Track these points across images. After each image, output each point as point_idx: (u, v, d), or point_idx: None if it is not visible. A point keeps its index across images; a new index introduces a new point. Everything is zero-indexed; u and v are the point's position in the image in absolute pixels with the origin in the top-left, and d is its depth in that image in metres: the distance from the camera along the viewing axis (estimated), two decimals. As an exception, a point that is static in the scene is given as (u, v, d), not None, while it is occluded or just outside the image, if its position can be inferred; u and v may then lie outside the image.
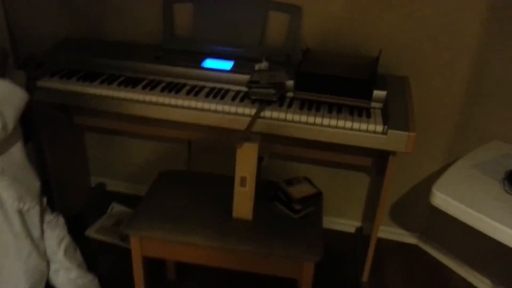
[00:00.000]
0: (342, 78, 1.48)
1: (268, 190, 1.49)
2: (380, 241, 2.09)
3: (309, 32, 1.80)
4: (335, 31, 1.78)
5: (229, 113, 1.52)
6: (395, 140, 1.42)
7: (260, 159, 2.17)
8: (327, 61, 1.62)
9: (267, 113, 1.49)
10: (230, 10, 1.79)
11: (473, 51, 1.71)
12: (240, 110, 1.51)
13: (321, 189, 1.98)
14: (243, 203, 1.34)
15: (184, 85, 1.68)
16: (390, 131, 1.41)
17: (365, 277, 1.86)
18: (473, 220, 1.04)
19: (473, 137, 1.80)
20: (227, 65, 1.73)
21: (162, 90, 1.62)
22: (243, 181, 1.30)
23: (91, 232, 2.09)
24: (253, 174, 1.28)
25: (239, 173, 1.29)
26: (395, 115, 1.47)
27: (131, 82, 1.66)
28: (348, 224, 2.24)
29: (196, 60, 1.74)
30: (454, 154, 1.90)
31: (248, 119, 1.48)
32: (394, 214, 2.16)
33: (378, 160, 1.82)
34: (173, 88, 1.63)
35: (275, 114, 1.49)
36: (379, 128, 1.44)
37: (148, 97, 1.57)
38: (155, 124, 1.92)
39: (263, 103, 1.52)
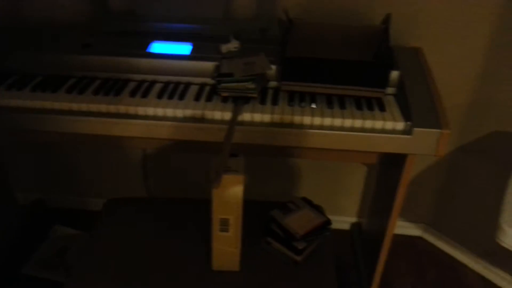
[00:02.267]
0: (346, 62, 1.07)
1: (255, 215, 1.11)
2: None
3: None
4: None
5: (193, 119, 1.09)
6: (422, 141, 1.05)
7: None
8: (318, 37, 1.21)
9: (245, 115, 1.08)
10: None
11: (495, 16, 1.35)
12: (209, 114, 1.09)
13: (307, 182, 1.62)
14: (226, 252, 0.95)
15: (127, 81, 1.22)
16: (415, 129, 1.04)
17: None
18: None
19: (492, 117, 1.48)
20: (183, 48, 1.29)
21: (95, 92, 1.16)
22: (224, 225, 0.90)
23: (29, 269, 1.65)
24: (238, 215, 0.89)
25: (218, 213, 0.88)
26: (417, 105, 1.10)
27: (51, 84, 1.19)
28: (340, 221, 1.92)
29: (139, 44, 1.28)
30: (467, 137, 1.58)
31: (220, 126, 1.06)
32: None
33: (384, 155, 1.46)
34: (111, 88, 1.18)
35: (257, 117, 1.08)
36: (400, 125, 1.07)
37: (75, 105, 1.12)
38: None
39: (239, 101, 1.10)
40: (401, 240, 1.89)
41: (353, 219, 1.93)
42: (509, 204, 0.82)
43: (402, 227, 1.91)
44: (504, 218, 0.78)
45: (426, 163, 1.72)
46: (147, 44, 1.29)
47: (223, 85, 1.08)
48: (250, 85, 1.07)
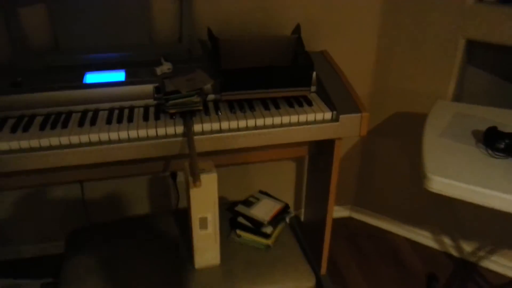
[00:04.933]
0: (274, 68, 1.24)
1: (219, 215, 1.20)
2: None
3: (205, 20, 1.51)
4: (236, 12, 1.52)
5: (147, 138, 1.17)
6: (348, 125, 1.26)
7: (174, 175, 1.85)
8: (245, 50, 1.36)
9: (196, 126, 1.18)
10: (99, 4, 1.39)
11: (378, 16, 1.64)
12: (162, 131, 1.17)
13: (243, 184, 1.75)
14: (207, 249, 1.03)
15: (69, 113, 1.25)
16: (341, 116, 1.24)
17: (323, 269, 1.72)
18: (483, 198, 0.94)
19: (390, 101, 1.77)
20: (118, 75, 1.35)
21: (41, 127, 1.17)
22: (203, 223, 0.99)
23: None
24: (215, 212, 0.99)
25: (196, 214, 0.97)
26: (337, 97, 1.30)
27: (-12, 127, 1.17)
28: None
29: (72, 77, 1.32)
30: (374, 121, 1.85)
31: (175, 140, 1.15)
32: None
33: (313, 146, 1.66)
34: (56, 121, 1.20)
35: (207, 127, 1.19)
36: (328, 115, 1.26)
37: (24, 143, 1.12)
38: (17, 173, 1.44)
39: (186, 115, 1.20)
40: (334, 223, 2.11)
41: (291, 214, 2.10)
42: (428, 157, 1.04)
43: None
44: (427, 169, 1.00)
45: (343, 151, 1.96)
46: (80, 75, 1.33)
47: (171, 102, 1.17)
48: (196, 98, 1.18)
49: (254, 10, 1.52)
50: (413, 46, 1.63)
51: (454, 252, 1.90)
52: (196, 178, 0.87)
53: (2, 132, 1.15)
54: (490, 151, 1.07)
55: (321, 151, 1.55)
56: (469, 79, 1.66)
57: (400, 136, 1.82)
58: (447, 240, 1.91)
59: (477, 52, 1.59)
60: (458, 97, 1.66)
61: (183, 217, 1.28)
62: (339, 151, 1.41)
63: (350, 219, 2.15)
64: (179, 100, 1.17)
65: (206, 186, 0.94)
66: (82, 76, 1.32)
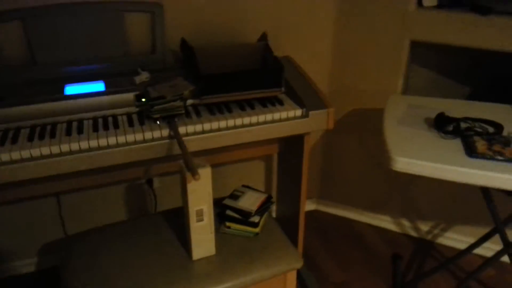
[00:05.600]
0: (251, 72, 1.35)
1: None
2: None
3: (175, 32, 1.61)
4: (203, 23, 1.63)
5: (135, 142, 1.24)
6: (317, 120, 1.40)
7: (149, 181, 1.91)
8: (219, 57, 1.47)
9: (180, 129, 1.27)
10: (74, 20, 1.44)
11: (332, 24, 1.81)
12: (148, 134, 1.25)
13: (215, 186, 1.85)
14: (203, 240, 1.12)
15: (55, 124, 1.29)
16: (310, 112, 1.38)
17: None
18: (440, 172, 1.11)
19: (347, 99, 1.94)
20: (97, 86, 1.40)
21: (29, 139, 1.21)
22: (199, 215, 1.08)
23: None
24: (210, 204, 1.08)
25: (193, 206, 1.06)
26: (305, 96, 1.44)
27: (-25, 141, 1.19)
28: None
29: (52, 89, 1.36)
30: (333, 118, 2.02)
31: (160, 142, 1.24)
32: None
33: (283, 144, 1.78)
34: (42, 132, 1.24)
35: (190, 129, 1.28)
36: (298, 112, 1.40)
37: (15, 154, 1.15)
38: None
39: (170, 119, 1.29)
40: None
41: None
42: (390, 142, 1.20)
43: (301, 206, 2.26)
44: (391, 151, 1.16)
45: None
46: (60, 88, 1.37)
47: (156, 107, 1.25)
48: (178, 103, 1.27)
49: (220, 20, 1.64)
50: (364, 48, 1.81)
51: (412, 233, 2.10)
52: (194, 172, 0.97)
53: (-10, 145, 1.17)
54: (441, 134, 1.25)
55: (290, 148, 1.68)
56: (412, 76, 1.87)
57: (357, 131, 2.00)
58: (405, 223, 2.11)
59: (419, 52, 1.80)
60: (404, 92, 1.86)
61: (168, 218, 1.36)
62: (309, 145, 1.55)
63: (316, 211, 2.30)
64: (163, 105, 1.25)
65: (202, 179, 1.03)
66: (62, 88, 1.37)
